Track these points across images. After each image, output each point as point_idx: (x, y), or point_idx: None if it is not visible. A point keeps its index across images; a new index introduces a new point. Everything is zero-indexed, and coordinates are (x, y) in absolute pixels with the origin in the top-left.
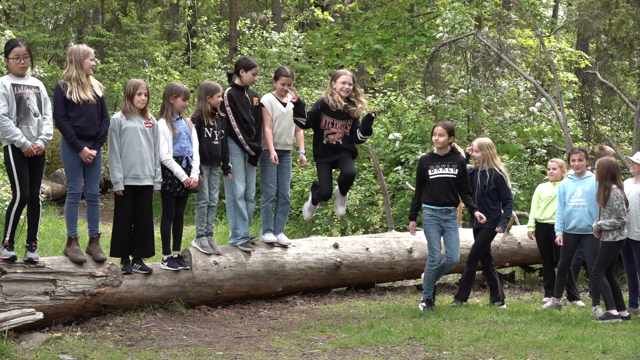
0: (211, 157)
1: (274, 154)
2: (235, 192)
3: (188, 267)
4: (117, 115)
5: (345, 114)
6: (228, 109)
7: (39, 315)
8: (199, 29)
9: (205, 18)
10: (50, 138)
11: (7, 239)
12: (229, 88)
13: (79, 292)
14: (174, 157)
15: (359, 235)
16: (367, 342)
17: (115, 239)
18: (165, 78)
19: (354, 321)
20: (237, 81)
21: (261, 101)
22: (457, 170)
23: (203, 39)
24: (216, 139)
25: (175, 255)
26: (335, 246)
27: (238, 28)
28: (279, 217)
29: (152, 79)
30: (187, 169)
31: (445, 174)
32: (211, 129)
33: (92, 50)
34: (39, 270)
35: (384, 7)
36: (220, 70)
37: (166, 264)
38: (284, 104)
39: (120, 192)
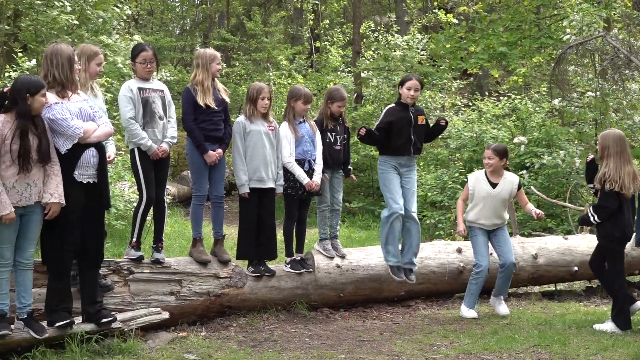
0: (333, 161)
1: (462, 227)
2: (391, 208)
3: (311, 269)
4: (241, 119)
5: None
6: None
7: (165, 315)
8: (322, 32)
9: (328, 22)
10: (175, 141)
11: (134, 239)
12: (391, 105)
13: (203, 293)
14: (296, 160)
15: None
16: (491, 348)
17: (242, 241)
18: (289, 82)
19: (477, 327)
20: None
21: (468, 178)
22: None
23: (327, 43)
24: (338, 143)
25: (298, 258)
26: (459, 251)
27: (361, 31)
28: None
29: (275, 83)
30: (310, 172)
31: None
32: (333, 134)
33: (218, 55)
34: (165, 270)
35: (509, 9)
36: (343, 73)
37: (289, 266)
38: (494, 185)
39: (245, 195)
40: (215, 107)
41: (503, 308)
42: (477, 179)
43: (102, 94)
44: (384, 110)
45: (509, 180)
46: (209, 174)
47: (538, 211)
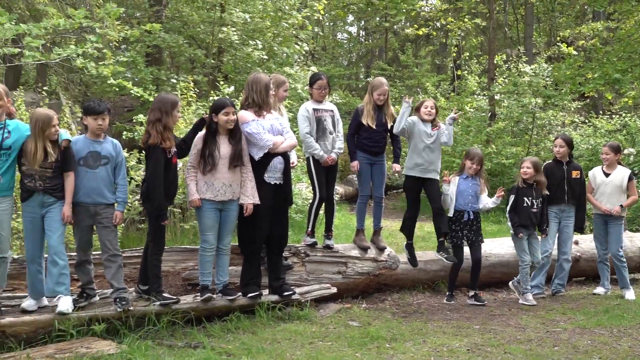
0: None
1: (604, 208)
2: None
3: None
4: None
5: None
6: (542, 178)
7: (333, 290)
8: (463, 62)
9: (468, 54)
10: (342, 151)
11: (309, 229)
12: (549, 162)
13: (364, 273)
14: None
15: None
16: (603, 324)
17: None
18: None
19: (591, 306)
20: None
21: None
22: None
23: (466, 71)
24: (535, 207)
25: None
26: (576, 242)
27: (495, 62)
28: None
29: None
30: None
31: None
32: (530, 198)
33: (384, 85)
34: (334, 254)
35: (621, 42)
36: (479, 96)
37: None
38: (607, 175)
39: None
40: (374, 127)
41: (629, 294)
42: (594, 172)
43: (286, 114)
44: (543, 166)
45: (621, 171)
46: (372, 178)
47: (616, 209)
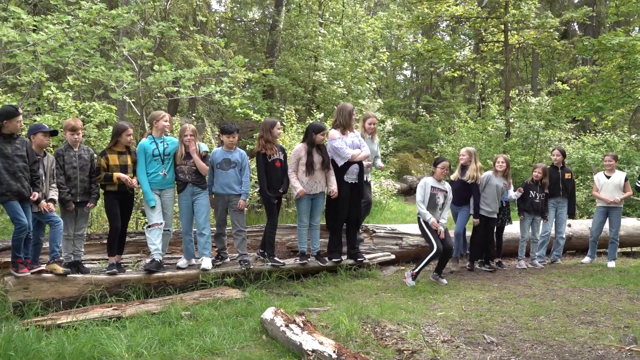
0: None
1: (604, 197)
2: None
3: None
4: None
5: None
6: (547, 180)
7: (392, 256)
8: (486, 96)
9: (490, 90)
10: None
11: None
12: (548, 166)
13: (414, 245)
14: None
15: (584, 219)
16: (588, 284)
17: None
18: (465, 124)
19: (579, 271)
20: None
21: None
22: None
23: (489, 102)
24: (537, 199)
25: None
26: (569, 225)
27: (510, 95)
28: (609, 249)
29: (457, 126)
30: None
31: None
32: (534, 192)
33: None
34: (393, 231)
35: (603, 81)
36: (498, 120)
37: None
38: (608, 177)
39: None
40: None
41: (611, 264)
42: (598, 176)
43: (377, 140)
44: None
45: (618, 174)
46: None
47: (617, 199)
